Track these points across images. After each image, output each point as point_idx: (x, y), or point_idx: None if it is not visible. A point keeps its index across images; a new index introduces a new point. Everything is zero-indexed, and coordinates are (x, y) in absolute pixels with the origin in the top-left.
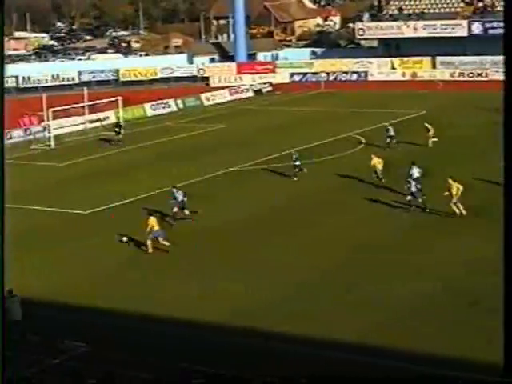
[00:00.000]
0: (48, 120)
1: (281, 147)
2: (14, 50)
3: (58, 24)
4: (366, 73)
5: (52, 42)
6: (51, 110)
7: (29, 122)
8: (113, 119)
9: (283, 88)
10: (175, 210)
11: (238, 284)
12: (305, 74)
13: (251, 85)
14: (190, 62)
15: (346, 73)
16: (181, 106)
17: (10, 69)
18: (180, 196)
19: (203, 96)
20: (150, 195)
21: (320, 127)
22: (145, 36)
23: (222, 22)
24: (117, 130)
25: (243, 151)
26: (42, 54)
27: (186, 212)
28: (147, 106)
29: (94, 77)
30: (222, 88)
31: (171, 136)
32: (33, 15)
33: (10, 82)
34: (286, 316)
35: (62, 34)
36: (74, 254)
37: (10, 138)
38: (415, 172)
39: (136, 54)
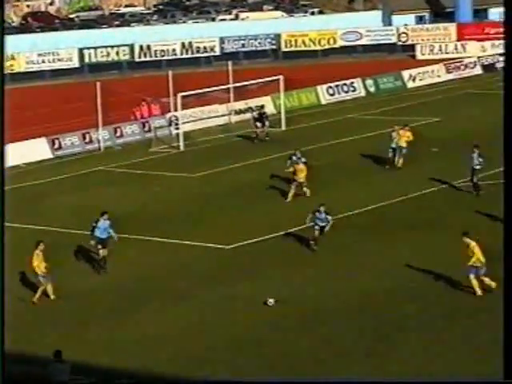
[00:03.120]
0: (176, 110)
1: None
2: (128, 6)
3: None
4: None
5: None
6: (180, 94)
7: (148, 112)
8: (271, 108)
9: None
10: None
11: None
12: None
13: (479, 57)
14: (387, 22)
15: None
16: (372, 88)
17: (122, 34)
18: (102, 229)
19: (406, 74)
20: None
21: None
22: None
23: None
24: (259, 121)
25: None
26: (168, 11)
27: (101, 252)
28: (321, 88)
29: (243, 46)
30: (435, 62)
31: (354, 135)
32: None
33: (121, 54)
34: None
35: None
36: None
37: (121, 135)
38: None
39: (306, 11)
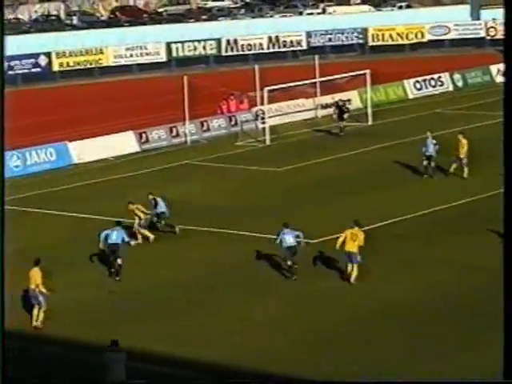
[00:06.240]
0: (262, 104)
1: None
2: (215, 0)
3: None
4: None
5: None
6: (267, 89)
7: (235, 106)
8: (357, 102)
9: None
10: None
11: None
12: None
13: None
14: (475, 16)
15: None
16: (460, 83)
17: (209, 29)
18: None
19: (494, 68)
20: (392, 222)
21: None
22: None
23: None
24: (336, 114)
25: None
26: (255, 5)
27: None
28: (408, 82)
29: (329, 40)
30: None
31: (442, 129)
32: None
33: (208, 49)
34: None
35: None
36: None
37: (208, 129)
38: None
39: (393, 5)
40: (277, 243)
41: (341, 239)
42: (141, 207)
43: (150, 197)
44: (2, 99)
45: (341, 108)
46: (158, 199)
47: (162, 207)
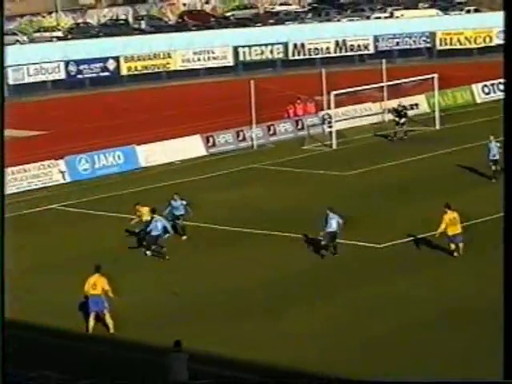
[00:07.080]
0: (329, 108)
1: None
2: (283, 4)
3: None
4: None
5: None
6: (333, 93)
7: (302, 110)
8: (425, 107)
9: None
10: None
11: None
12: None
13: None
14: None
15: None
16: None
17: (276, 33)
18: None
19: None
20: (463, 226)
21: None
22: None
23: None
24: (397, 119)
25: None
26: (322, 9)
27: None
28: (476, 87)
29: (397, 44)
30: None
31: None
32: None
33: (275, 53)
34: None
35: None
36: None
37: (274, 133)
38: None
39: (461, 9)
40: (323, 227)
41: (443, 226)
42: (145, 209)
43: (176, 197)
44: (2, 105)
45: (399, 113)
46: (178, 203)
47: (180, 210)
